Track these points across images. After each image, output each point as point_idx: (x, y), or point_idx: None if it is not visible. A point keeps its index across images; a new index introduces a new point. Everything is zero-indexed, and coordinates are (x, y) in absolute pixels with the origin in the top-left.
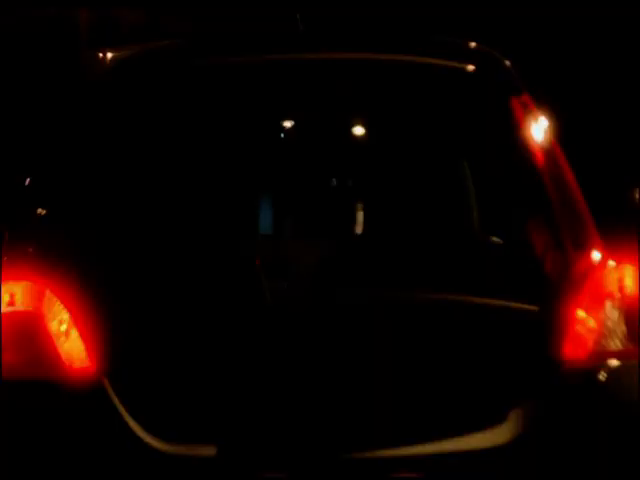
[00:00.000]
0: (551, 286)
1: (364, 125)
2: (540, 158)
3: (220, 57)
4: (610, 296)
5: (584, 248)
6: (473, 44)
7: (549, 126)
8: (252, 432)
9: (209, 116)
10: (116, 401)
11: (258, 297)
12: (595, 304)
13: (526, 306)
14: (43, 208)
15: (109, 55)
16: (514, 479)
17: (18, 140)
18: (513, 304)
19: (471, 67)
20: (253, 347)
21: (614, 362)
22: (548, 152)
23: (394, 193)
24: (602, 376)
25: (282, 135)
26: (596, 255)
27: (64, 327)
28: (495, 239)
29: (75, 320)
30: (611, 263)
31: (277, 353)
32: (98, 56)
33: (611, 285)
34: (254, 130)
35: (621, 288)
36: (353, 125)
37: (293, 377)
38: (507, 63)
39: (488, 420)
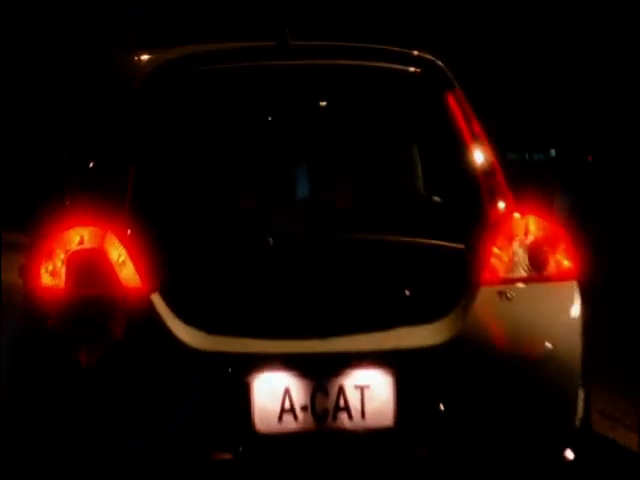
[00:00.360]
0: (474, 230)
1: (335, 115)
2: (467, 135)
3: (230, 63)
4: (518, 238)
5: (499, 203)
6: (418, 52)
7: (473, 111)
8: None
9: (224, 112)
10: (160, 310)
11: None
12: (506, 244)
13: (456, 245)
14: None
15: (143, 59)
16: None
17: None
18: (447, 243)
19: (417, 70)
20: (262, 270)
21: (520, 285)
22: (473, 130)
23: (360, 168)
24: (510, 294)
25: (269, 119)
26: (508, 208)
27: (122, 259)
28: (436, 198)
29: (129, 253)
30: (518, 214)
31: (278, 274)
32: (134, 60)
33: (519, 230)
34: (255, 117)
35: (526, 232)
36: (326, 115)
37: (288, 286)
38: (443, 66)
39: (426, 321)
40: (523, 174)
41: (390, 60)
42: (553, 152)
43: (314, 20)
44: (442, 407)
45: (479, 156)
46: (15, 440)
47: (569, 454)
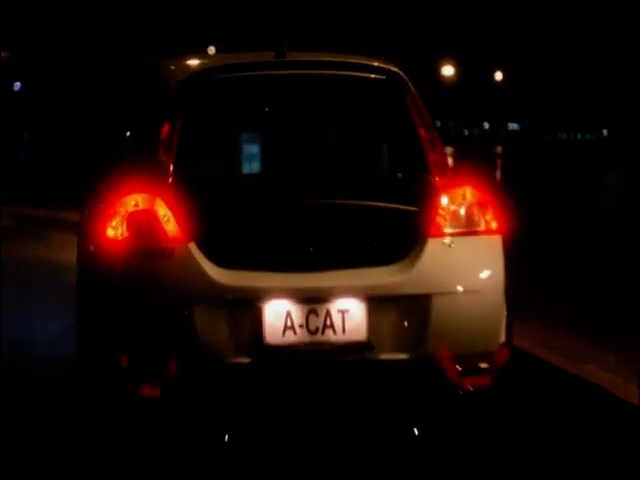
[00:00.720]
0: (426, 197)
1: (320, 112)
2: (420, 127)
3: (239, 72)
4: (457, 203)
5: (444, 177)
6: (381, 62)
7: (425, 107)
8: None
9: (238, 107)
10: (195, 254)
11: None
12: (448, 207)
13: (412, 208)
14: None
15: (177, 66)
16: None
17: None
18: (405, 207)
19: (382, 77)
20: (269, 226)
21: (458, 237)
22: (425, 122)
23: (339, 153)
24: (451, 244)
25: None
26: (451, 181)
27: (166, 217)
28: (398, 174)
29: (173, 213)
30: (458, 186)
31: (282, 229)
32: (170, 67)
33: (458, 197)
34: (259, 112)
35: (464, 199)
36: (313, 112)
37: (289, 238)
38: (402, 73)
39: (389, 263)
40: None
41: (362, 70)
42: (605, 132)
43: (312, 21)
44: (405, 324)
45: (430, 142)
46: (87, 358)
47: (496, 360)
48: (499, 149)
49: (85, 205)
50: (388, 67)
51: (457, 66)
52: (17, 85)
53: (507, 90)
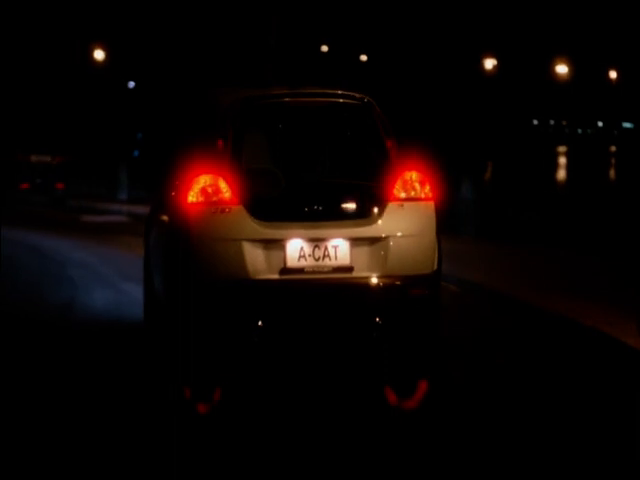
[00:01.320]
0: (388, 177)
1: (317, 125)
2: (383, 133)
3: (270, 100)
4: (406, 179)
5: (399, 165)
6: (358, 94)
7: (389, 124)
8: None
9: (270, 122)
10: (242, 213)
11: None
12: (402, 183)
13: (378, 184)
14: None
15: (233, 93)
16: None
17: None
18: (372, 184)
19: (357, 102)
20: (288, 196)
21: (407, 202)
22: (387, 131)
23: (331, 151)
24: (403, 206)
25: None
26: (403, 167)
27: (225, 189)
28: (371, 164)
29: (230, 187)
30: (408, 170)
31: (295, 198)
32: (226, 93)
33: (407, 176)
34: (280, 126)
35: (411, 177)
36: (313, 125)
37: (300, 203)
38: (369, 99)
39: (364, 217)
40: None
41: (345, 97)
42: None
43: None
44: (374, 255)
45: (390, 142)
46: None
47: (431, 279)
48: (613, 148)
49: (163, 184)
50: (362, 96)
51: (571, 65)
52: (131, 84)
53: (621, 89)
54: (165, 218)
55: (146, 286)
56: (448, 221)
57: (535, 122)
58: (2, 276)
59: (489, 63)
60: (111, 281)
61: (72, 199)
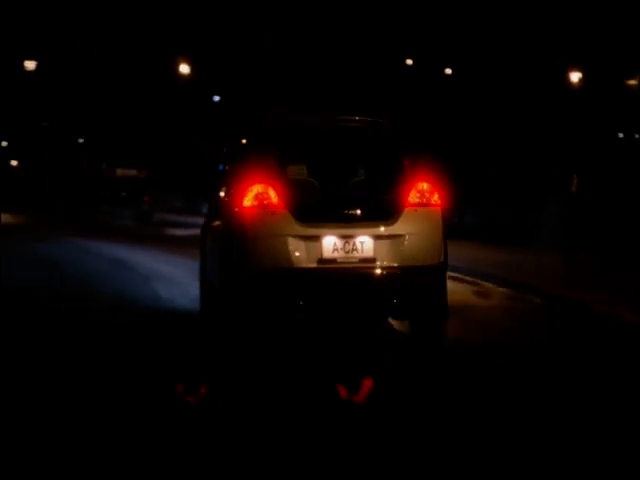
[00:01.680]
0: (404, 187)
1: (341, 147)
2: (402, 155)
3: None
4: (417, 190)
5: (413, 177)
6: (372, 118)
7: (406, 142)
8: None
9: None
10: (287, 216)
11: None
12: (415, 192)
13: (396, 193)
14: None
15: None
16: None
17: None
18: (393, 193)
19: (371, 125)
20: (324, 203)
21: (420, 208)
22: (405, 152)
23: (357, 165)
24: (416, 211)
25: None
26: (416, 179)
27: (274, 196)
28: (390, 177)
29: (277, 195)
30: (421, 182)
31: (330, 205)
32: (277, 118)
33: (420, 187)
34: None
35: (422, 188)
36: (343, 144)
37: (334, 208)
38: (382, 122)
39: (385, 220)
40: None
41: (361, 121)
42: None
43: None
44: (392, 249)
45: (406, 159)
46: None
47: (437, 268)
48: None
49: (218, 193)
50: (374, 119)
51: None
52: (216, 98)
53: None
54: (221, 220)
55: (201, 282)
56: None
57: (620, 135)
58: (87, 286)
59: (575, 76)
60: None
61: (156, 212)
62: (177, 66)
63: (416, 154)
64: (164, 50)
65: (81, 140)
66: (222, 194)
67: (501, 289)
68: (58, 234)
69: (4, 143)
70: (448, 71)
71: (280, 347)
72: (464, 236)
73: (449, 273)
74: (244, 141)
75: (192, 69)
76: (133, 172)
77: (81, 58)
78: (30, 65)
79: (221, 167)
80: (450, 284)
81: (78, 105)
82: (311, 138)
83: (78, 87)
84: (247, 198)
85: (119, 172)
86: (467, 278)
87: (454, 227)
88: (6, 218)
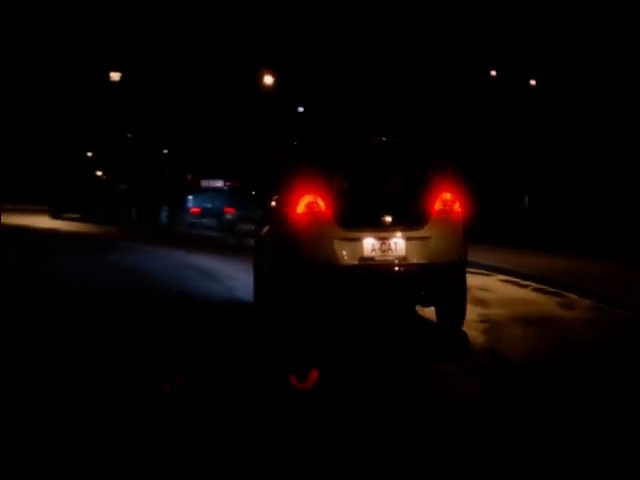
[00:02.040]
0: (431, 197)
1: (379, 161)
2: (428, 169)
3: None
4: (442, 200)
5: (438, 188)
6: (394, 138)
7: (432, 157)
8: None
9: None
10: (332, 223)
11: None
12: (440, 202)
13: (424, 203)
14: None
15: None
16: (427, 244)
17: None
18: (422, 203)
19: (394, 142)
20: (364, 210)
21: (443, 215)
22: (428, 166)
23: (392, 177)
24: (441, 217)
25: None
26: (441, 189)
27: (322, 205)
28: (419, 189)
29: (325, 204)
30: (445, 192)
31: (369, 212)
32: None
33: (445, 197)
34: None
35: (446, 198)
36: (382, 160)
37: (372, 214)
38: (401, 141)
39: (417, 227)
40: None
41: (387, 139)
42: None
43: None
44: (421, 249)
45: (431, 172)
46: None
47: (459, 265)
48: None
49: (272, 202)
50: (394, 139)
51: None
52: (300, 109)
53: None
54: (276, 225)
55: (255, 278)
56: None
57: None
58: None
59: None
60: None
61: (241, 224)
62: (261, 77)
63: (440, 168)
64: (248, 61)
65: (165, 151)
66: (274, 203)
67: (585, 300)
68: (146, 244)
69: (89, 154)
70: (533, 82)
71: (326, 330)
72: (494, 242)
73: (534, 284)
74: (295, 156)
75: (276, 80)
76: (218, 183)
77: (165, 69)
78: (115, 76)
79: (270, 178)
80: (533, 294)
81: (163, 116)
82: (352, 155)
83: (163, 98)
84: (299, 206)
85: (203, 183)
86: (550, 289)
87: (482, 233)
88: (90, 228)
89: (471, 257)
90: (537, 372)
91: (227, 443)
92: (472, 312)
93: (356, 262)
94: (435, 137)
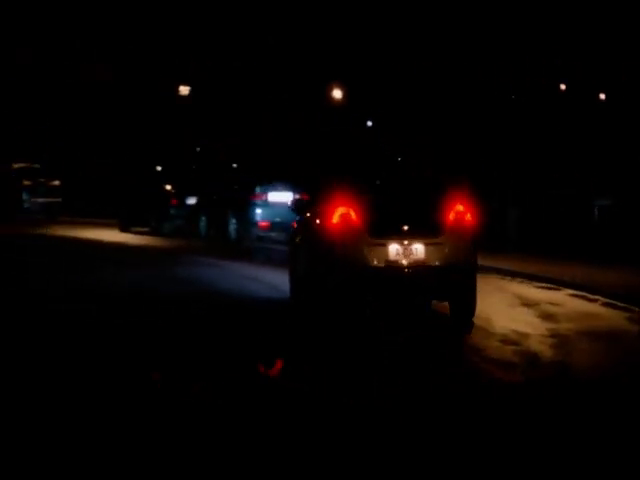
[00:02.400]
0: (446, 211)
1: (401, 179)
2: (446, 185)
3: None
4: (455, 212)
5: (451, 203)
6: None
7: (446, 175)
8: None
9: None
10: (363, 232)
11: None
12: (454, 214)
13: (441, 216)
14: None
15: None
16: (443, 250)
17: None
18: (440, 216)
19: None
20: (387, 222)
21: (457, 225)
22: (451, 186)
23: (415, 199)
24: (455, 228)
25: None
26: (455, 202)
27: (354, 216)
28: (435, 205)
29: (356, 215)
30: (458, 204)
31: (391, 223)
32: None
33: (459, 209)
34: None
35: (459, 210)
36: (400, 179)
37: (395, 225)
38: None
39: (434, 236)
40: None
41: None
42: None
43: None
44: (438, 253)
45: (446, 188)
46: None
47: (471, 266)
48: None
49: (306, 212)
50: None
51: None
52: (369, 123)
53: None
54: (312, 233)
55: (291, 279)
56: None
57: None
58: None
59: None
60: None
61: None
62: (330, 91)
63: (455, 183)
64: (317, 74)
65: (235, 165)
66: (309, 214)
67: None
68: (216, 258)
69: (159, 168)
70: (602, 96)
71: (356, 324)
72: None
73: (603, 299)
74: (332, 174)
75: (345, 94)
76: (286, 196)
77: (235, 83)
78: (184, 90)
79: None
80: (602, 309)
81: (231, 130)
82: (378, 173)
83: (232, 112)
84: (334, 217)
85: (271, 197)
86: (619, 304)
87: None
88: (159, 241)
89: (530, 269)
90: (602, 387)
91: (226, 443)
92: (541, 327)
93: (383, 264)
94: (496, 151)
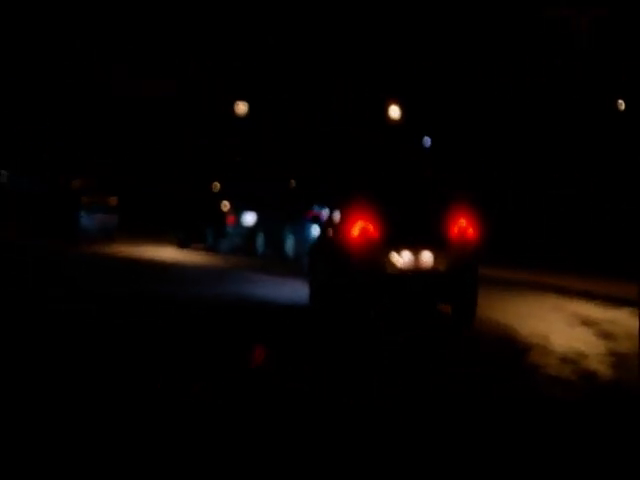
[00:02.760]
0: (449, 225)
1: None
2: (451, 202)
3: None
4: (459, 225)
5: (455, 216)
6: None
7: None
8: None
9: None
10: (381, 243)
11: None
12: (457, 228)
13: (446, 230)
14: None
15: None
16: (451, 259)
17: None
18: (445, 230)
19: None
20: (402, 233)
21: (460, 238)
22: (448, 199)
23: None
24: (458, 241)
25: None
26: (458, 216)
27: (373, 229)
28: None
29: (374, 228)
30: (461, 219)
31: (406, 233)
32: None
33: (462, 223)
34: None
35: (462, 224)
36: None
37: (406, 236)
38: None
39: (439, 248)
40: None
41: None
42: None
43: None
44: (444, 261)
45: (451, 204)
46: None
47: (473, 269)
48: None
49: (328, 226)
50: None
51: None
52: (427, 141)
53: None
54: (334, 244)
55: (311, 285)
56: None
57: None
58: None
59: None
60: None
61: None
62: (387, 108)
63: (460, 199)
64: (375, 93)
65: (292, 181)
66: (329, 227)
67: None
68: (275, 275)
69: (217, 184)
70: None
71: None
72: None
73: None
74: (352, 191)
75: (402, 112)
76: (324, 212)
77: (282, 101)
78: (242, 107)
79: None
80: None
81: (288, 148)
82: (393, 191)
83: (286, 130)
84: (354, 229)
85: (324, 214)
86: None
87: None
88: (216, 259)
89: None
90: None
91: (226, 443)
92: (600, 346)
93: (397, 272)
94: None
